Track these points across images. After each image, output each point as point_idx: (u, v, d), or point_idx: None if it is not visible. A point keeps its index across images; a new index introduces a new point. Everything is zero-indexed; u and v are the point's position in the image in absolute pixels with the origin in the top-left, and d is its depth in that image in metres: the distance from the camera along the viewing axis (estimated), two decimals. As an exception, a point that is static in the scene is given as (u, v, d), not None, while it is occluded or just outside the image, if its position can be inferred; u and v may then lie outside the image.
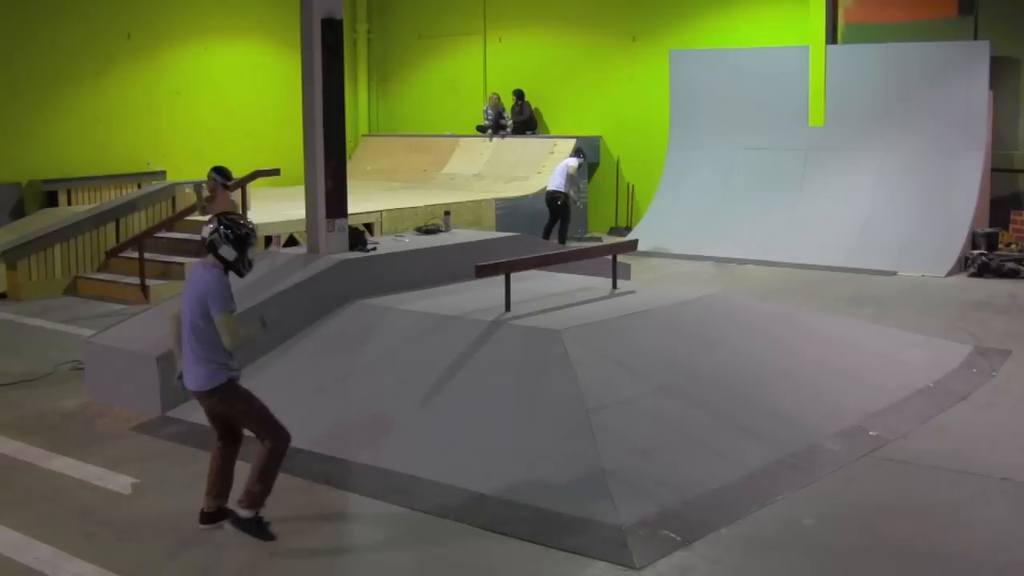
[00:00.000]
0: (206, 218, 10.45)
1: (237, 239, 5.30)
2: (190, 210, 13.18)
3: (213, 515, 5.53)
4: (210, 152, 17.22)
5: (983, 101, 14.02)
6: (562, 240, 15.36)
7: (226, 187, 10.49)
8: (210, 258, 5.33)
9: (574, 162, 15.62)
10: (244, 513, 5.27)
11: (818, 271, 13.68)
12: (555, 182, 15.39)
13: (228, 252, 5.29)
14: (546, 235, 15.17)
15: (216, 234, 5.29)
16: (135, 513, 5.79)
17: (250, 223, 5.46)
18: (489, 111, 18.35)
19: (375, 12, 20.77)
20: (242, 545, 5.34)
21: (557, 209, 15.38)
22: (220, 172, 10.86)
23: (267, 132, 18.01)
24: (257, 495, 5.26)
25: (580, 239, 16.46)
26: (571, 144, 17.03)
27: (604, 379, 6.68)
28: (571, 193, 15.38)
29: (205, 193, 11.84)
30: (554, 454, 6.00)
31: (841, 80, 15.01)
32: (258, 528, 5.27)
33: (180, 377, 5.46)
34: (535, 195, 16.36)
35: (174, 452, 6.78)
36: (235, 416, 5.41)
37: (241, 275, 5.40)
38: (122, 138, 16.53)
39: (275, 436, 5.30)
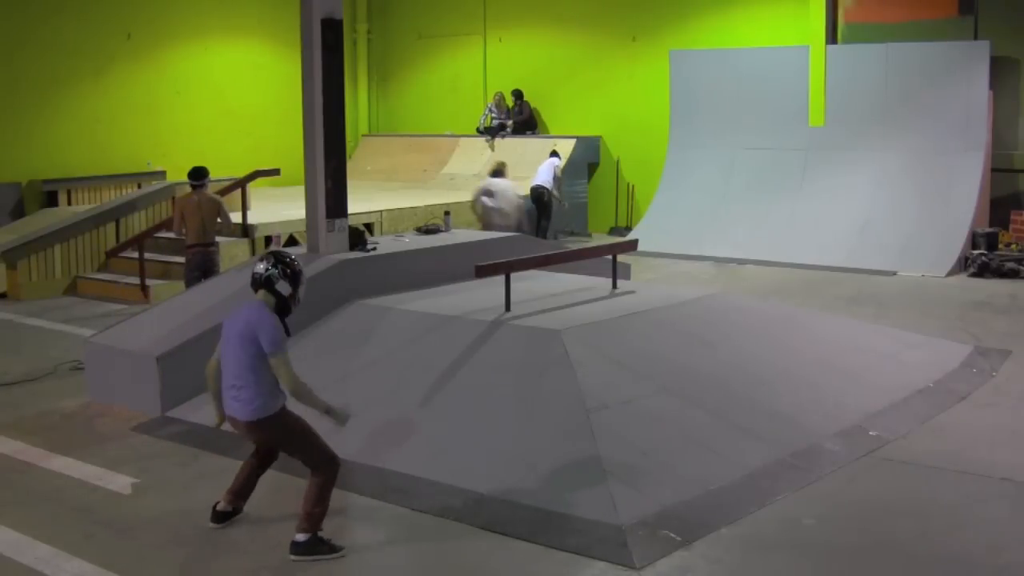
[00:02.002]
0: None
1: (293, 275, 5.37)
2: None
3: (226, 514, 5.56)
4: (210, 152, 17.21)
5: (983, 101, 14.02)
6: (543, 237, 15.39)
7: (195, 188, 10.22)
8: (261, 294, 5.34)
9: (559, 162, 15.85)
10: (302, 536, 5.20)
11: (818, 271, 13.68)
12: (541, 178, 15.53)
13: (284, 288, 5.34)
14: (542, 235, 15.26)
15: (274, 270, 5.34)
16: (135, 513, 5.79)
17: (298, 262, 5.50)
18: (492, 109, 18.33)
19: (375, 12, 20.77)
20: (242, 545, 5.34)
21: (543, 205, 15.48)
22: (190, 174, 10.37)
23: (267, 132, 18.02)
24: (317, 517, 5.24)
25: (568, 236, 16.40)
26: (571, 144, 17.07)
27: (604, 379, 6.68)
28: (556, 192, 15.54)
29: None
30: (554, 454, 6.00)
31: (841, 80, 15.01)
32: (322, 545, 5.21)
33: (219, 426, 5.51)
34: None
35: (174, 452, 6.78)
36: (284, 448, 5.48)
37: (290, 312, 5.40)
38: (122, 138, 16.53)
39: (327, 466, 5.30)
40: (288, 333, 5.36)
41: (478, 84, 19.40)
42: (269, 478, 6.12)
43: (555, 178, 15.53)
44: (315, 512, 5.22)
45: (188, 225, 10.25)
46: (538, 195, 15.53)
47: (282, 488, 5.94)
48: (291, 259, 5.43)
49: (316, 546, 5.19)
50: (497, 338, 7.22)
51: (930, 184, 14.21)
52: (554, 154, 16.08)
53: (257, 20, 18.36)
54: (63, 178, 15.54)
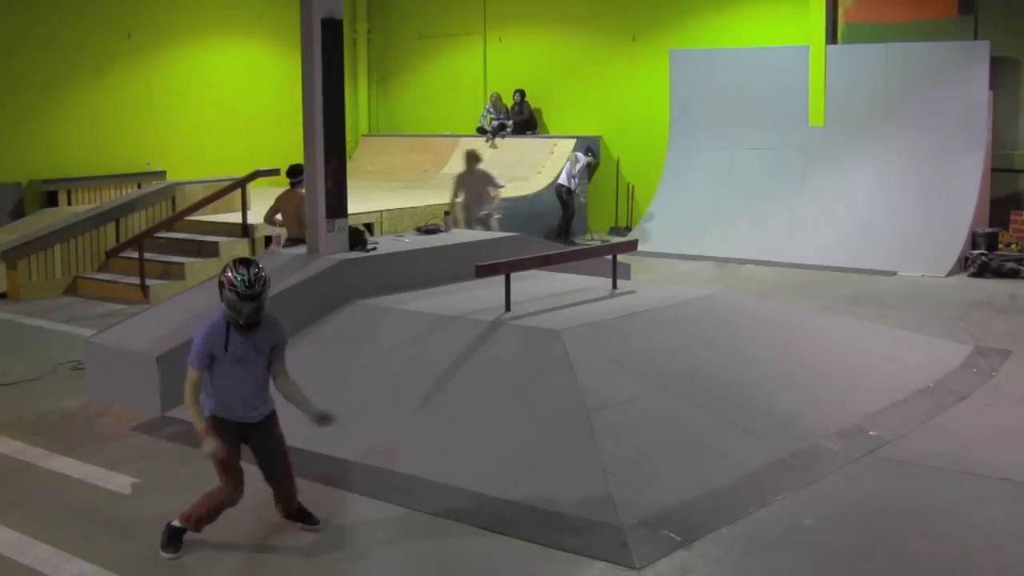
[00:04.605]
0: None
1: (219, 285, 5.13)
2: (190, 210, 13.19)
3: (285, 513, 5.55)
4: (210, 152, 17.26)
5: (983, 101, 14.02)
6: (563, 235, 15.59)
7: (293, 185, 10.61)
8: None
9: (583, 158, 16.21)
10: (175, 521, 5.22)
11: (818, 271, 13.68)
12: (562, 177, 15.93)
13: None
14: (559, 232, 15.50)
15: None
16: (135, 513, 5.79)
17: (248, 273, 5.08)
18: (491, 110, 18.34)
19: (375, 12, 20.77)
20: (241, 545, 5.34)
21: (563, 204, 15.69)
22: (288, 172, 10.90)
23: (267, 132, 18.01)
24: (187, 513, 5.21)
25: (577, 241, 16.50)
26: (571, 144, 17.11)
27: (604, 379, 6.68)
28: (574, 188, 15.92)
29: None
30: (554, 454, 6.00)
31: (841, 80, 15.01)
32: (169, 536, 5.20)
33: None
34: (535, 195, 16.42)
35: (174, 452, 6.77)
36: None
37: (239, 324, 5.13)
38: (122, 138, 16.53)
39: (222, 486, 5.22)
40: (239, 324, 5.13)
41: (478, 84, 19.40)
42: (269, 478, 6.13)
43: (569, 174, 15.78)
44: (192, 511, 5.20)
45: (284, 220, 10.85)
46: (557, 193, 15.79)
47: (282, 488, 5.93)
48: (227, 268, 5.13)
49: (167, 534, 5.20)
50: (497, 338, 7.21)
51: (930, 184, 14.21)
52: (587, 151, 16.30)
53: (257, 20, 18.36)
54: (63, 178, 15.53)
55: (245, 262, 5.18)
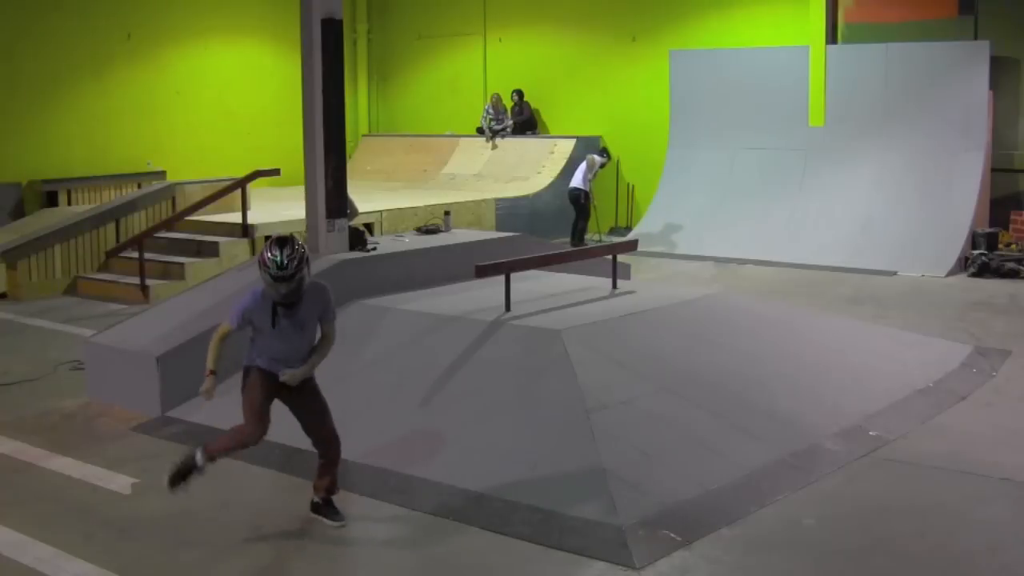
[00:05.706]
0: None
1: (260, 263, 5.16)
2: (190, 210, 13.19)
3: (312, 502, 5.59)
4: (210, 152, 17.26)
5: (983, 101, 14.02)
6: (578, 238, 15.56)
7: None
8: None
9: (596, 158, 16.03)
10: (199, 456, 5.29)
11: (818, 271, 13.68)
12: (576, 179, 15.76)
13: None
14: (572, 235, 15.43)
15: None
16: (135, 513, 5.79)
17: (280, 255, 5.12)
18: (490, 110, 18.35)
19: (375, 12, 20.78)
20: (242, 545, 5.34)
21: (578, 207, 15.62)
22: None
23: (267, 132, 18.02)
24: (212, 447, 5.31)
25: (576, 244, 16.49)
26: (571, 144, 17.14)
27: (604, 379, 6.68)
28: (587, 189, 15.83)
29: None
30: (554, 454, 6.00)
31: (841, 80, 15.01)
32: (181, 467, 5.28)
33: None
34: (535, 195, 16.42)
35: (174, 452, 6.72)
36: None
37: (281, 302, 5.21)
38: (122, 138, 16.53)
39: (246, 424, 5.30)
40: (281, 303, 5.20)
41: (478, 84, 19.40)
42: (269, 477, 6.14)
43: (584, 176, 15.77)
44: (217, 444, 5.30)
45: None
46: (574, 197, 15.74)
47: (282, 488, 5.94)
48: (265, 248, 5.20)
49: (182, 463, 5.29)
50: (497, 338, 7.22)
51: (930, 184, 14.21)
52: (602, 152, 16.28)
53: (257, 20, 18.37)
54: (63, 178, 15.54)
55: (280, 242, 5.21)
